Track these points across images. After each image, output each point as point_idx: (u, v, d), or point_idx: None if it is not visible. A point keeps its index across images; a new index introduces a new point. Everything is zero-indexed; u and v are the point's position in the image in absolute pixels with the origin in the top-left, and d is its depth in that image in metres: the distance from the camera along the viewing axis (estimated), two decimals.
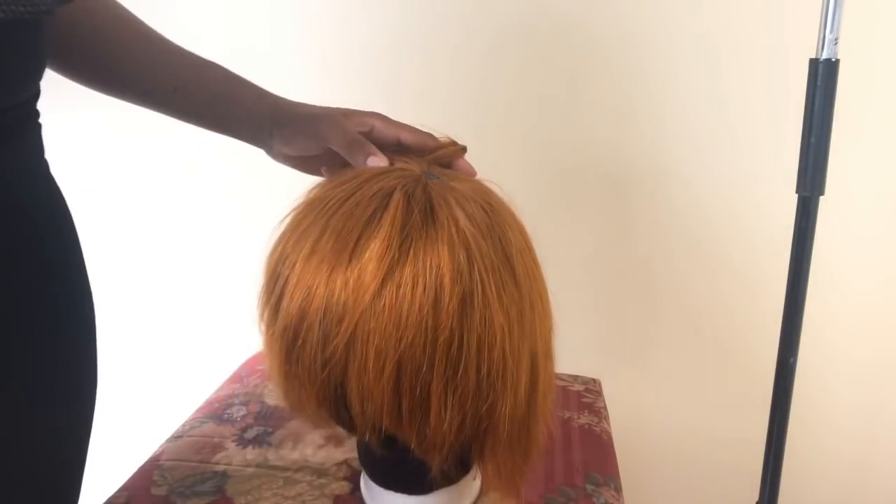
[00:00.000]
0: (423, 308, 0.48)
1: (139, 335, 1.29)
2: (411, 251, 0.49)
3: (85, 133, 1.19)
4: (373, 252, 0.49)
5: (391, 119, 0.63)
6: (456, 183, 0.55)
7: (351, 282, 0.49)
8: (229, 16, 1.12)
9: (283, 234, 0.54)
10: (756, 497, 0.85)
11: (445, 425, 0.51)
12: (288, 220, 0.55)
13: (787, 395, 0.80)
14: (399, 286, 0.48)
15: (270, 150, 0.67)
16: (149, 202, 1.23)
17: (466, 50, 1.08)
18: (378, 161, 0.58)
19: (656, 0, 1.03)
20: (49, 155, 0.59)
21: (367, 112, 0.63)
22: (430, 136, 0.62)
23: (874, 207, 1.08)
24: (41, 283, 0.56)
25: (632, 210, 1.12)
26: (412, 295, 0.48)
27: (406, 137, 0.62)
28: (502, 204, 0.56)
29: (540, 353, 0.55)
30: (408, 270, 0.49)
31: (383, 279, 0.48)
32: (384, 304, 0.48)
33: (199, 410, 0.85)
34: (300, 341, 0.51)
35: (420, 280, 0.49)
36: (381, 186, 0.53)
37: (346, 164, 0.61)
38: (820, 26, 0.71)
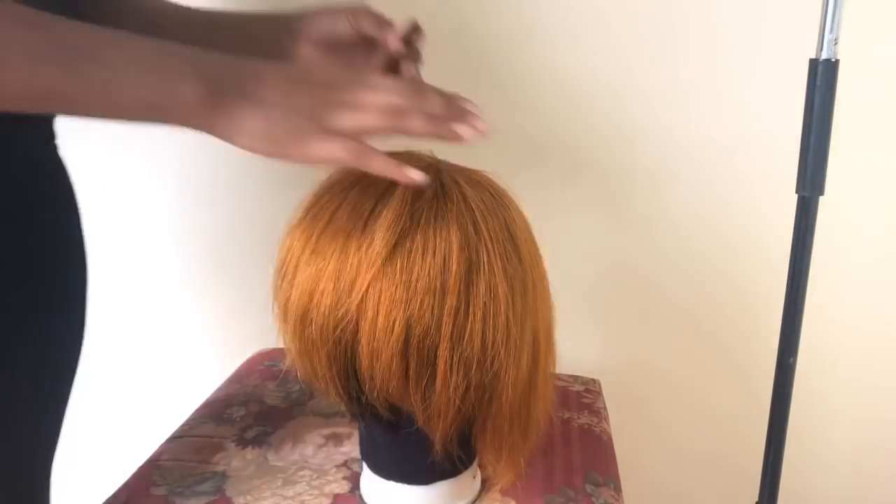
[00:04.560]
0: (431, 273, 0.51)
1: (139, 335, 1.29)
2: (422, 220, 0.52)
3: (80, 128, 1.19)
4: (386, 220, 0.52)
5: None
6: (464, 170, 0.59)
7: (364, 246, 0.52)
8: None
9: (302, 214, 0.57)
10: (755, 497, 0.85)
11: (451, 390, 0.53)
12: (306, 202, 0.58)
13: (787, 395, 0.80)
14: (409, 252, 0.52)
15: (295, 41, 0.66)
16: (148, 201, 1.23)
17: (465, 47, 1.08)
18: (404, 24, 0.64)
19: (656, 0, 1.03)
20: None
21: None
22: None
23: (874, 207, 1.08)
24: (53, 272, 0.59)
25: (632, 210, 1.12)
26: (422, 260, 0.52)
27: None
28: (506, 193, 0.60)
29: (542, 335, 0.58)
30: (418, 237, 0.52)
31: (395, 245, 0.52)
32: (395, 268, 0.51)
33: (198, 410, 0.85)
34: (314, 303, 0.54)
35: (430, 247, 0.52)
36: None
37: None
38: (820, 26, 0.71)
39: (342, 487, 0.70)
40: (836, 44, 0.71)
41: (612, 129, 1.09)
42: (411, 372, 0.53)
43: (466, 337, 0.52)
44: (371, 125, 0.49)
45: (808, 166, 0.74)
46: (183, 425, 0.82)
